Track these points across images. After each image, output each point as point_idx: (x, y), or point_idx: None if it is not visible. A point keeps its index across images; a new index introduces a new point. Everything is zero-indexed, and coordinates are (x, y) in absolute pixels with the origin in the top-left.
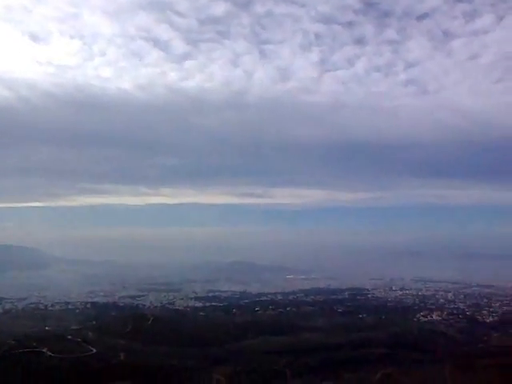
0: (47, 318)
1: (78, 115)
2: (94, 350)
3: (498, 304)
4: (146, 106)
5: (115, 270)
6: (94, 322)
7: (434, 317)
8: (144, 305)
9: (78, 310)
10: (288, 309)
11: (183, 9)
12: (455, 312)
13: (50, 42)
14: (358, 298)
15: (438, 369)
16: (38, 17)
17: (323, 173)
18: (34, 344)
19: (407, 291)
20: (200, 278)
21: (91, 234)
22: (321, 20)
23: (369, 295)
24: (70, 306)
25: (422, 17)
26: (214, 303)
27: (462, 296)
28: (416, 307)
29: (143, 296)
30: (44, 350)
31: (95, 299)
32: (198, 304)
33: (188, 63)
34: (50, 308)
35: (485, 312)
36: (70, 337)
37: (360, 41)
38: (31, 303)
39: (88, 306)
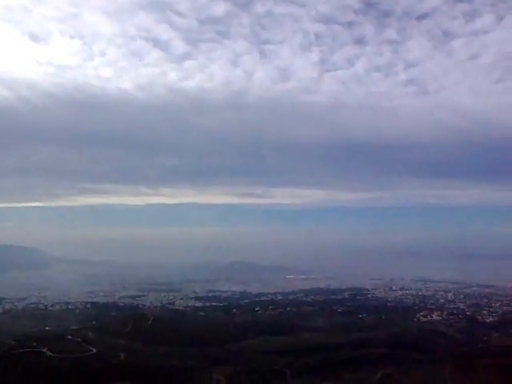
0: (47, 318)
1: (78, 115)
2: (94, 350)
3: (498, 304)
4: (145, 106)
5: (115, 270)
6: (94, 322)
7: (434, 317)
8: (144, 305)
9: (78, 310)
10: (288, 309)
11: (183, 9)
12: (455, 312)
13: (50, 42)
14: (358, 298)
15: (438, 369)
16: (38, 17)
17: (323, 173)
18: (34, 344)
19: (407, 291)
20: (200, 277)
21: (91, 234)
22: (321, 20)
23: (369, 295)
24: (70, 306)
25: (422, 17)
26: (214, 303)
27: (462, 296)
28: (416, 307)
29: (143, 296)
30: (44, 350)
31: (95, 299)
32: (198, 304)
33: (188, 63)
34: (50, 308)
35: (485, 312)
36: (70, 337)
37: (360, 41)
38: (31, 303)
39: (88, 306)
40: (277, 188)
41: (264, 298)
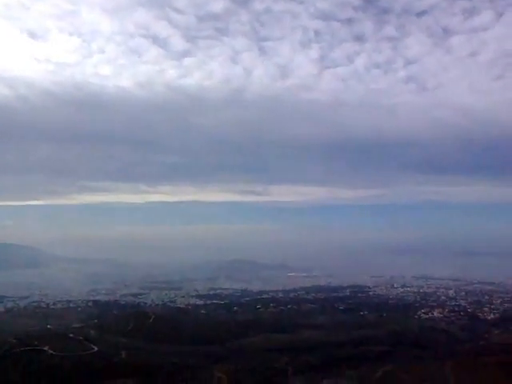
0: (49, 317)
1: (77, 113)
2: (96, 348)
3: (499, 301)
4: (145, 103)
5: (116, 268)
6: (96, 321)
7: (436, 314)
8: (145, 303)
9: (79, 309)
10: (289, 306)
11: (182, 5)
12: (456, 309)
13: (49, 40)
14: (359, 295)
15: (440, 366)
16: (37, 14)
17: (323, 170)
18: (36, 342)
19: (408, 288)
20: (201, 276)
21: (91, 233)
22: (320, 17)
23: (370, 293)
24: (71, 305)
25: (421, 13)
26: (215, 301)
27: (464, 293)
28: (417, 304)
29: (145, 294)
30: (46, 349)
31: (97, 297)
32: (199, 302)
33: (187, 60)
34: (52, 306)
35: (486, 309)
36: (71, 335)
37: (359, 38)
38: (33, 302)
39: (90, 304)
40: (277, 185)
41: (265, 296)
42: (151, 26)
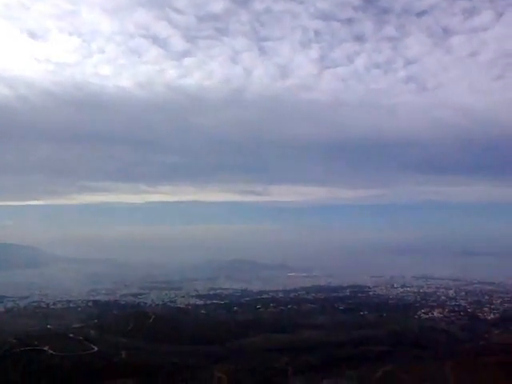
0: (49, 317)
1: (77, 113)
2: (96, 348)
3: (499, 301)
4: (145, 103)
5: (116, 268)
6: (96, 321)
7: (436, 314)
8: (145, 303)
9: (79, 309)
10: (289, 306)
11: (182, 6)
12: (456, 309)
13: (49, 40)
14: (359, 295)
15: (440, 366)
16: (37, 14)
17: (323, 170)
18: (36, 342)
19: (408, 288)
20: (201, 276)
21: (91, 232)
22: (320, 17)
23: (370, 293)
24: (71, 305)
25: (421, 13)
26: (215, 301)
27: (464, 293)
28: (417, 304)
29: (145, 294)
30: (45, 349)
31: (97, 297)
32: (199, 302)
33: (187, 60)
34: (52, 306)
35: (486, 309)
36: (71, 335)
37: (359, 38)
38: (33, 302)
39: (90, 304)
40: (277, 185)
41: (265, 296)
42: (151, 26)
